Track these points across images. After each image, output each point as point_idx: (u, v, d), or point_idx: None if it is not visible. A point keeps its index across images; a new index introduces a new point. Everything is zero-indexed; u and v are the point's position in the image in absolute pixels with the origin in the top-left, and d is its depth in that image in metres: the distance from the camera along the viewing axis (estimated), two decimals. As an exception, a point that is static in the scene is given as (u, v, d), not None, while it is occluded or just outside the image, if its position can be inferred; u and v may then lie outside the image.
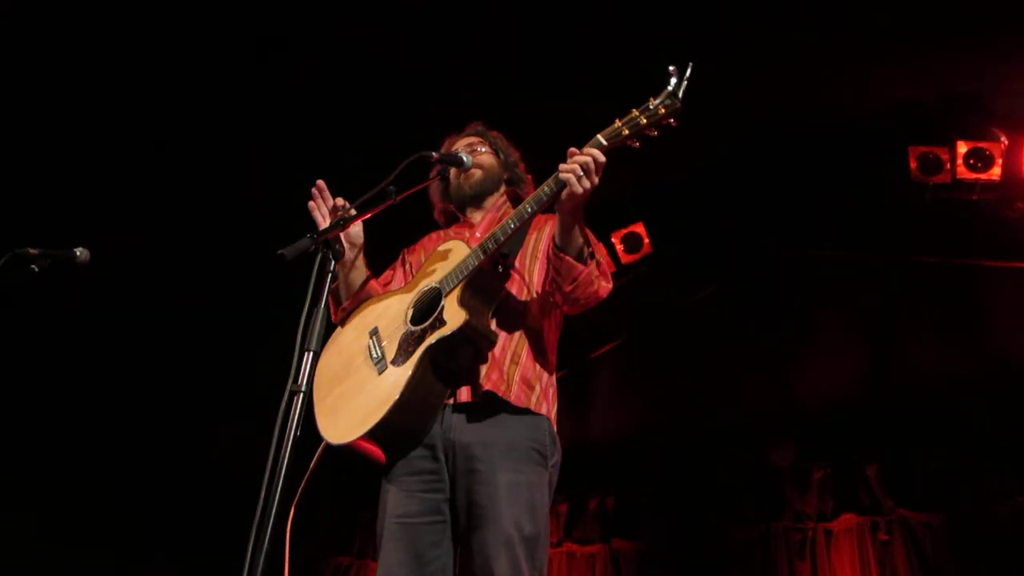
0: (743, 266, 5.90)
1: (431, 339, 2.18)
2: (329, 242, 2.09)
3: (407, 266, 2.71)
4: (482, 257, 2.24)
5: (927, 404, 5.46)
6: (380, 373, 2.26)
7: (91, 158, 4.92)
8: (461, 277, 2.24)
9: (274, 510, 1.67)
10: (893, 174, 4.98)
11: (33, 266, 2.62)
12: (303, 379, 1.83)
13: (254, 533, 1.65)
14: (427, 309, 2.28)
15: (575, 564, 6.59)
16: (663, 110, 2.05)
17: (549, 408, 2.33)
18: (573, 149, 2.11)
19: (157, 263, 5.41)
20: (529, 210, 2.21)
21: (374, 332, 2.38)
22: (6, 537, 5.46)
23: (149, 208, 5.19)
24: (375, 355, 2.31)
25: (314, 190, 2.38)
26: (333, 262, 2.08)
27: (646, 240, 5.76)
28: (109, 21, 4.24)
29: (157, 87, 4.63)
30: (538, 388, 2.31)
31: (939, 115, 4.86)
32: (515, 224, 2.22)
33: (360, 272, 2.56)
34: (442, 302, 2.24)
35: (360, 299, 2.56)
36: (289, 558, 2.03)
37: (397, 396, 2.13)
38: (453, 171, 2.66)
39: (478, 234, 2.42)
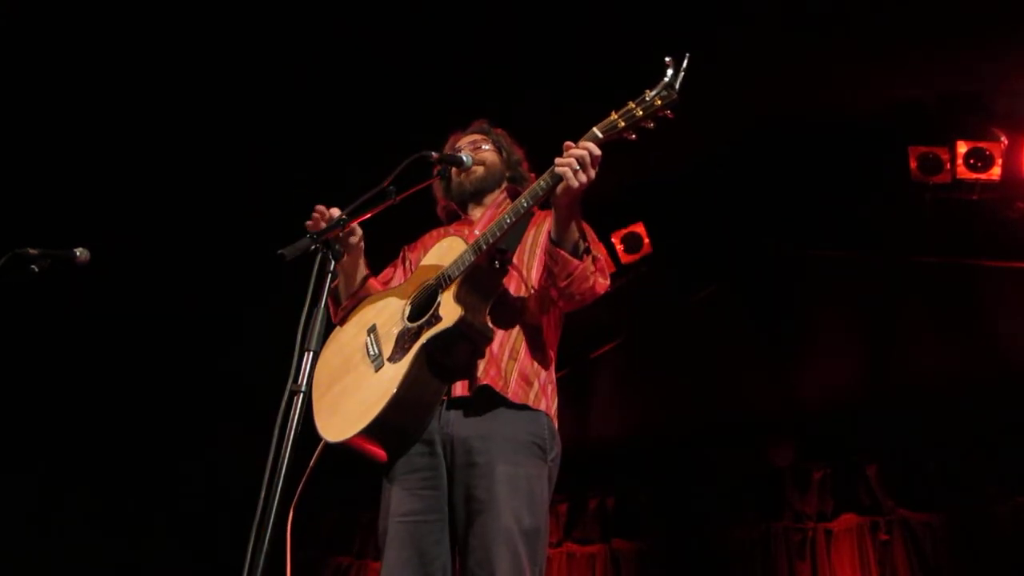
0: (743, 266, 5.91)
1: (427, 335, 2.18)
2: (329, 242, 2.09)
3: (407, 263, 2.71)
4: (478, 253, 2.24)
5: (927, 404, 5.46)
6: (377, 370, 2.26)
7: (91, 158, 4.92)
8: (457, 273, 2.24)
9: (274, 510, 1.67)
10: (893, 174, 4.98)
11: (33, 266, 2.62)
12: (303, 379, 1.83)
13: (254, 533, 1.65)
14: (424, 306, 2.28)
15: (575, 564, 6.59)
16: (659, 102, 2.03)
17: (548, 404, 2.32)
18: (569, 143, 2.10)
19: (157, 263, 5.40)
20: (525, 204, 2.20)
21: (372, 329, 2.39)
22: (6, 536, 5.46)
23: (149, 208, 5.19)
24: (372, 352, 2.32)
25: (315, 214, 2.33)
26: (333, 262, 2.07)
27: (646, 240, 5.76)
28: (109, 21, 4.24)
29: (157, 87, 4.64)
30: (536, 384, 2.30)
31: (939, 115, 4.86)
32: (511, 219, 2.21)
33: (359, 272, 2.56)
34: (438, 298, 2.24)
35: (359, 298, 2.56)
36: (296, 559, 2.03)
37: (392, 393, 2.13)
38: (455, 169, 2.66)
39: (477, 231, 2.42)
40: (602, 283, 2.30)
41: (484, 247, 2.24)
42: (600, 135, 2.09)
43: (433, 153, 2.44)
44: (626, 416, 6.83)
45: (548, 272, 2.26)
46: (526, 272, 2.43)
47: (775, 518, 5.88)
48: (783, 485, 5.97)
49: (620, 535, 6.52)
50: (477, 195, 2.68)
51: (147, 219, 5.23)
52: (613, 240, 5.78)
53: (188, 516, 6.29)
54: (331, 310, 2.59)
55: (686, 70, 2.03)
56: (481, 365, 2.24)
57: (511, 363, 2.28)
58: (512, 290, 2.39)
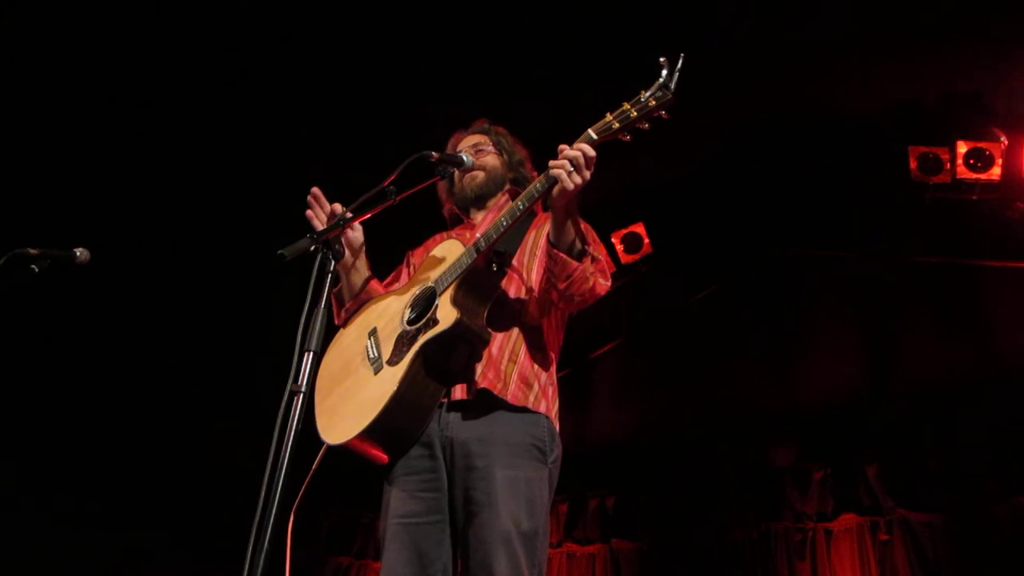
0: (743, 266, 5.91)
1: (424, 338, 2.18)
2: (329, 242, 2.09)
3: (410, 267, 2.71)
4: (475, 256, 2.23)
5: (927, 404, 5.46)
6: (376, 373, 2.26)
7: (91, 158, 4.92)
8: (455, 276, 2.24)
9: (274, 510, 1.67)
10: (893, 174, 4.99)
11: (33, 266, 2.62)
12: (303, 379, 1.83)
13: (254, 533, 1.65)
14: (423, 309, 2.28)
15: (575, 564, 6.59)
16: (653, 102, 2.02)
17: (548, 407, 2.31)
18: (563, 145, 2.10)
19: (157, 263, 5.40)
20: (521, 207, 2.19)
21: (373, 332, 2.39)
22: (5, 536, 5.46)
23: (149, 208, 5.19)
24: (372, 355, 2.32)
25: (310, 198, 2.35)
26: (333, 262, 2.07)
27: (646, 240, 5.77)
28: (109, 22, 4.24)
29: (157, 87, 4.64)
30: (536, 387, 2.29)
31: (939, 115, 4.86)
32: (507, 222, 2.21)
33: (361, 274, 2.55)
34: (436, 301, 2.24)
35: (362, 300, 2.55)
36: (290, 559, 2.03)
37: (390, 396, 2.13)
38: (457, 172, 2.65)
39: (478, 234, 2.42)
40: (602, 284, 2.29)
41: (481, 250, 2.23)
42: (595, 136, 2.08)
43: (434, 153, 2.43)
44: (626, 416, 6.83)
45: (547, 274, 2.26)
46: (526, 274, 2.42)
47: (775, 518, 5.88)
48: (783, 485, 5.96)
49: (620, 535, 6.52)
50: (479, 200, 2.66)
51: (147, 219, 5.23)
52: (613, 240, 5.78)
53: (188, 516, 6.29)
54: (334, 311, 2.60)
55: (680, 70, 2.02)
56: (480, 368, 2.24)
57: (511, 365, 2.28)
58: (512, 292, 2.39)
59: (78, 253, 2.72)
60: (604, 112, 2.10)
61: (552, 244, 2.20)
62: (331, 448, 2.25)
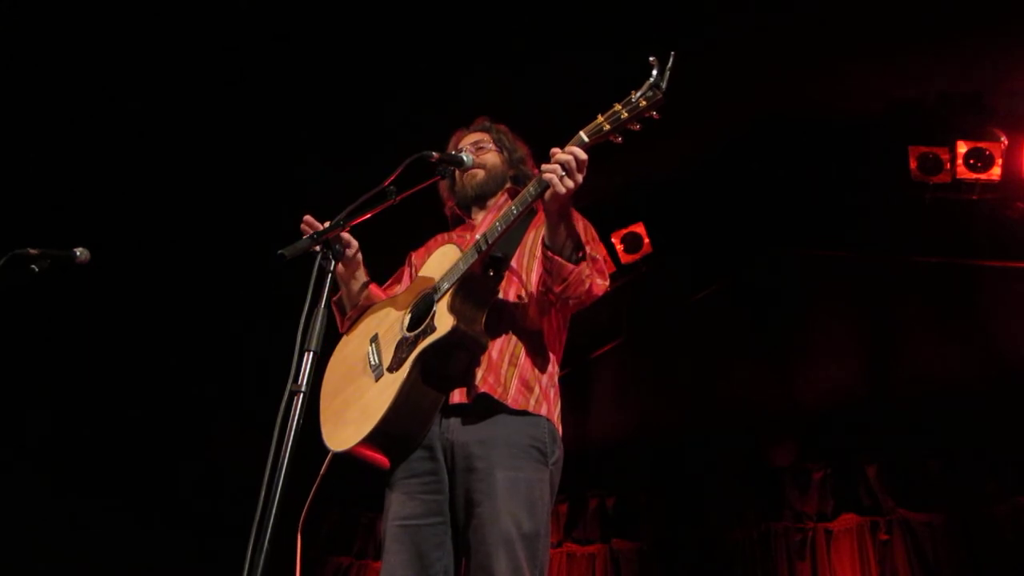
0: (743, 266, 5.91)
1: (422, 345, 2.18)
2: (329, 242, 2.09)
3: (412, 268, 2.70)
4: (471, 261, 2.23)
5: (927, 404, 5.46)
6: (377, 380, 2.27)
7: (91, 158, 4.92)
8: (451, 282, 2.23)
9: (274, 510, 1.67)
10: (893, 174, 4.99)
11: (33, 266, 2.63)
12: (303, 379, 1.83)
13: (254, 533, 1.65)
14: (422, 314, 2.28)
15: (575, 564, 6.58)
16: (644, 103, 2.00)
17: (550, 409, 2.31)
18: (555, 149, 2.09)
19: (157, 263, 5.40)
20: (515, 211, 2.18)
21: (374, 339, 2.39)
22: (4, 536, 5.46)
23: (149, 208, 5.19)
24: (373, 362, 2.32)
25: (303, 226, 2.28)
26: (333, 262, 2.07)
27: (646, 240, 5.78)
28: (109, 21, 4.24)
29: (157, 87, 4.64)
30: (537, 389, 2.29)
31: (939, 115, 4.87)
32: (502, 226, 2.20)
33: (359, 281, 2.54)
34: (434, 308, 2.24)
35: (363, 307, 2.55)
36: (295, 559, 2.03)
37: (389, 403, 2.13)
38: (457, 170, 2.64)
39: (477, 237, 2.42)
40: (600, 284, 2.28)
41: (477, 255, 2.23)
42: (586, 139, 2.07)
43: (434, 153, 2.42)
44: (626, 416, 6.83)
45: (544, 277, 2.25)
46: (525, 276, 2.41)
47: (775, 518, 5.88)
48: (783, 485, 5.96)
49: (620, 535, 6.51)
50: (479, 199, 2.65)
51: (147, 219, 5.23)
52: (613, 240, 5.79)
53: (187, 516, 6.29)
54: (337, 320, 2.60)
55: (671, 69, 2.00)
56: (480, 372, 2.23)
57: (511, 369, 2.27)
58: (511, 295, 2.38)
59: (78, 253, 2.72)
60: (596, 114, 2.09)
61: (547, 247, 2.19)
62: (335, 455, 2.25)
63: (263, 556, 1.63)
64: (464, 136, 2.75)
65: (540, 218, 2.52)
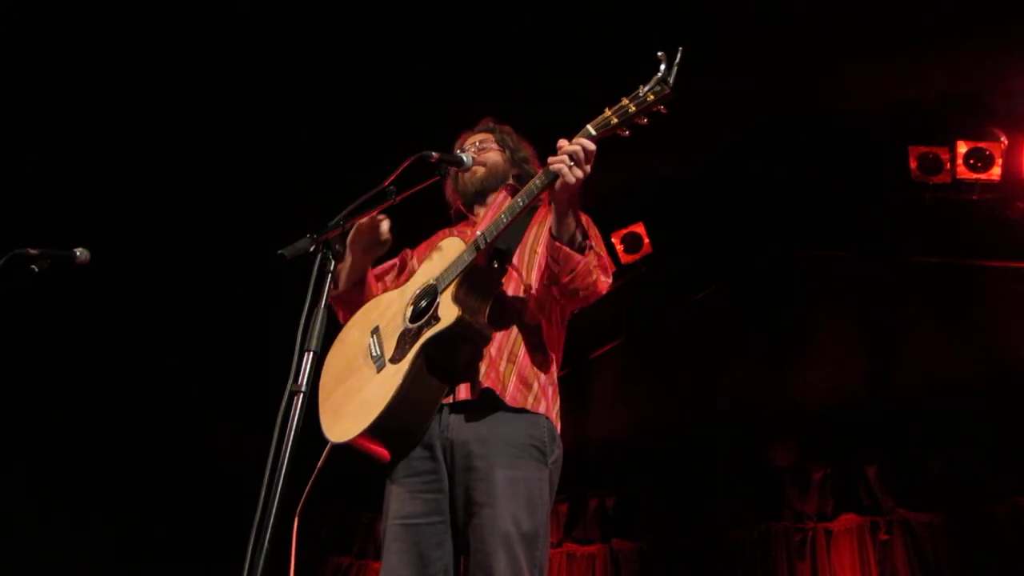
0: (743, 266, 5.91)
1: (425, 336, 2.18)
2: (329, 242, 2.09)
3: (413, 261, 2.71)
4: (475, 253, 2.24)
5: (927, 404, 5.46)
6: (379, 371, 2.26)
7: (91, 158, 4.92)
8: (456, 273, 2.24)
9: (274, 510, 1.67)
10: (893, 174, 4.99)
11: (33, 266, 2.63)
12: (303, 379, 1.83)
13: (254, 533, 1.65)
14: (425, 306, 2.28)
15: (575, 564, 6.58)
16: (652, 97, 2.02)
17: (548, 407, 2.31)
18: (563, 141, 2.10)
19: (157, 263, 5.40)
20: (520, 203, 2.20)
21: (376, 331, 2.39)
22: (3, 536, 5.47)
23: (149, 208, 5.19)
24: (375, 354, 2.32)
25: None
26: (333, 262, 2.07)
27: (646, 240, 5.77)
28: (110, 21, 4.24)
29: (157, 87, 4.64)
30: (536, 387, 2.29)
31: (939, 115, 4.87)
32: (507, 219, 2.21)
33: (357, 272, 2.56)
34: (438, 299, 2.24)
35: (354, 292, 2.57)
36: (296, 559, 2.02)
37: (392, 394, 2.13)
38: (459, 170, 2.65)
39: (479, 231, 2.42)
40: (604, 280, 2.29)
41: (481, 247, 2.23)
42: (593, 132, 2.09)
43: (433, 153, 2.43)
44: (626, 416, 6.83)
45: (549, 270, 2.25)
46: (526, 272, 2.42)
47: (775, 518, 5.87)
48: (783, 485, 5.96)
49: (620, 535, 6.51)
50: (480, 195, 2.67)
51: (147, 219, 5.23)
52: (613, 240, 5.79)
53: (187, 516, 6.29)
54: (338, 313, 2.60)
55: (679, 64, 2.01)
56: (482, 367, 2.23)
57: (509, 366, 2.27)
58: (511, 291, 2.38)
59: (78, 253, 2.73)
60: (604, 109, 2.10)
61: (554, 237, 2.20)
62: (335, 447, 2.25)
63: (263, 556, 1.63)
64: (469, 137, 2.78)
65: (539, 215, 2.53)
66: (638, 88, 2.05)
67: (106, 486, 6.04)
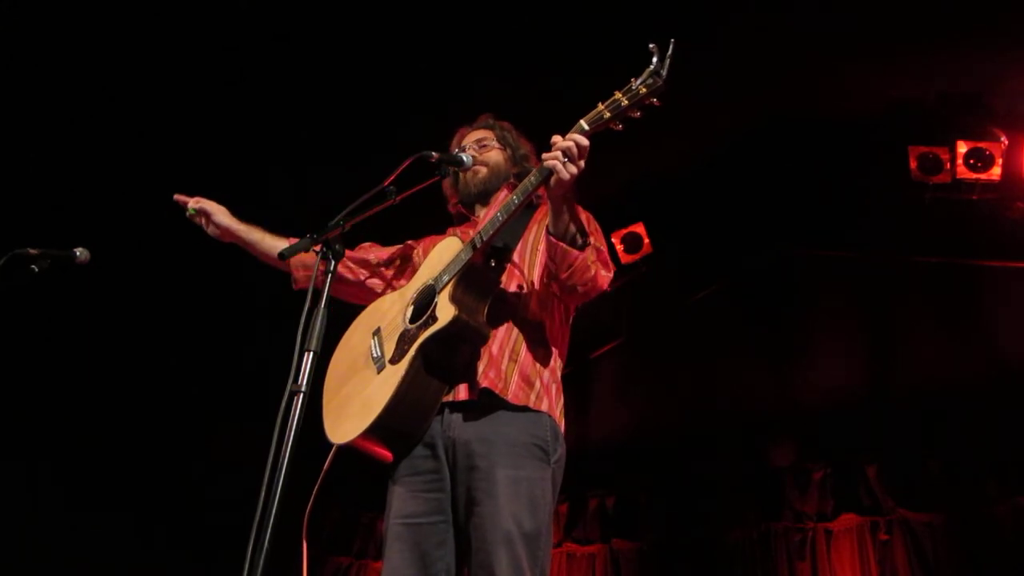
0: (743, 266, 5.91)
1: (423, 336, 2.18)
2: (329, 242, 2.09)
3: (417, 256, 2.70)
4: (472, 252, 2.23)
5: (927, 404, 5.46)
6: (379, 372, 2.27)
7: (91, 158, 4.92)
8: (453, 273, 2.24)
9: (274, 510, 1.67)
10: (893, 174, 4.99)
11: (33, 266, 2.63)
12: (303, 379, 1.83)
13: (254, 533, 1.65)
14: (424, 306, 2.28)
15: (575, 564, 6.58)
16: (644, 89, 2.01)
17: (551, 405, 2.30)
18: (556, 136, 2.10)
19: (157, 263, 5.40)
20: (516, 201, 2.19)
21: (377, 332, 2.40)
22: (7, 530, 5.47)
23: (150, 208, 5.18)
24: (375, 354, 2.32)
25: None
26: (333, 262, 2.07)
27: (646, 240, 5.77)
28: (109, 21, 4.24)
29: (157, 87, 4.63)
30: (538, 385, 2.28)
31: (939, 115, 4.87)
32: (503, 217, 2.20)
33: (265, 241, 2.70)
34: (435, 299, 2.24)
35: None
36: (297, 559, 2.03)
37: (391, 395, 2.13)
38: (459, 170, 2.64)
39: (479, 227, 2.41)
40: (604, 275, 2.28)
41: (478, 245, 2.23)
42: (587, 127, 2.08)
43: (433, 153, 2.42)
44: (626, 416, 6.83)
45: (549, 265, 2.25)
46: (527, 270, 2.41)
47: (775, 518, 5.88)
48: (783, 485, 5.96)
49: (620, 535, 6.51)
50: (483, 196, 2.65)
51: (147, 219, 5.22)
52: (613, 240, 5.79)
53: (187, 516, 6.29)
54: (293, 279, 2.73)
55: (671, 56, 2.00)
56: (481, 367, 2.23)
57: (511, 365, 2.26)
58: (512, 288, 2.37)
59: (78, 253, 2.73)
60: (597, 103, 2.10)
61: (551, 233, 2.19)
62: (339, 449, 2.25)
63: (263, 556, 1.63)
64: (468, 134, 2.76)
65: (541, 212, 2.51)
66: (630, 81, 2.04)
67: (106, 486, 6.04)
